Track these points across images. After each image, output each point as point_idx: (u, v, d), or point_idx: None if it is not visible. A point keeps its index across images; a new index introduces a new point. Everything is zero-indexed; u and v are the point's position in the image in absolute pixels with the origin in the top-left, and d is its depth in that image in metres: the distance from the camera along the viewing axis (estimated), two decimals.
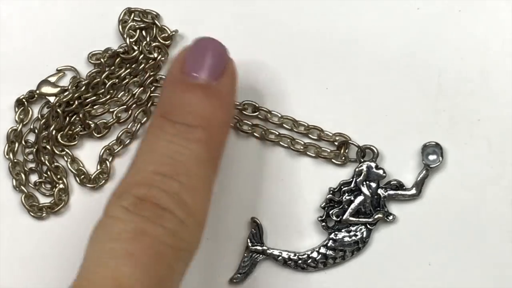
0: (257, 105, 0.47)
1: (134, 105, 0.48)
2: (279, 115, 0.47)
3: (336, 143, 0.46)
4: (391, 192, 0.45)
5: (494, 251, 0.45)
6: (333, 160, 0.46)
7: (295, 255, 0.45)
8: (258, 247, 0.45)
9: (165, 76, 0.42)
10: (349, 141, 0.46)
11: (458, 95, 0.47)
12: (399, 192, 0.45)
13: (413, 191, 0.45)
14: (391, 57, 0.48)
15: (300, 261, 0.45)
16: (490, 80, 0.47)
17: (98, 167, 0.47)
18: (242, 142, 0.47)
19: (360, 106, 0.47)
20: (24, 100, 0.48)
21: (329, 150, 0.47)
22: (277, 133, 0.47)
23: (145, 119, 0.48)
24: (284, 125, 0.47)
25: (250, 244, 0.45)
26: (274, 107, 0.47)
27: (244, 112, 0.47)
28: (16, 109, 0.48)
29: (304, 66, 0.48)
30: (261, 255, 0.45)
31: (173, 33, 0.48)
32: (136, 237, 0.37)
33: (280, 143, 0.47)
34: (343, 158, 0.46)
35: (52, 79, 0.48)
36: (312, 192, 0.46)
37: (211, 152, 0.40)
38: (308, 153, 0.46)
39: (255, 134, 0.47)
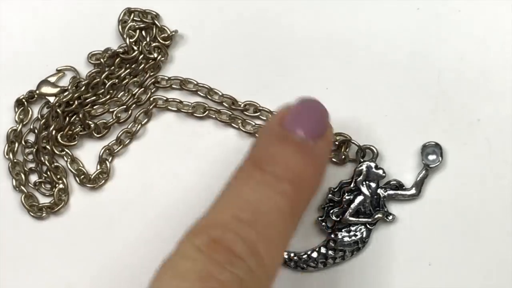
0: (258, 106, 0.47)
1: (134, 105, 0.48)
2: None
3: (336, 143, 0.46)
4: (391, 192, 0.45)
5: (494, 251, 0.45)
6: (333, 159, 0.46)
7: (295, 255, 0.45)
8: None
9: (263, 126, 0.42)
10: (350, 140, 0.46)
11: (458, 95, 0.47)
12: (399, 192, 0.45)
13: (413, 191, 0.45)
14: (391, 57, 0.48)
15: (300, 261, 0.45)
16: (490, 80, 0.47)
17: (98, 167, 0.47)
18: (244, 142, 0.47)
19: (360, 106, 0.47)
20: (24, 100, 0.48)
21: None
22: None
23: (146, 120, 0.48)
24: None
25: None
26: (274, 107, 0.47)
27: (246, 113, 0.47)
28: (16, 109, 0.48)
29: (304, 66, 0.48)
30: None
31: (173, 33, 0.48)
32: (202, 278, 0.36)
33: None
34: (343, 157, 0.46)
35: (52, 79, 0.48)
36: None
37: (294, 208, 0.39)
38: None
39: (256, 134, 0.47)
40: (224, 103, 0.47)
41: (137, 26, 0.49)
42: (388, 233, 0.45)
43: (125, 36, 0.48)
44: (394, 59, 0.47)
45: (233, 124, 0.47)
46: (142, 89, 0.48)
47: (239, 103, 0.47)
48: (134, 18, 0.49)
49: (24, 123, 0.48)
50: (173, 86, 0.48)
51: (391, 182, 0.45)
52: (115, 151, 0.48)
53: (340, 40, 0.48)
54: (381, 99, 0.47)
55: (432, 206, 0.46)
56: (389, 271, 0.45)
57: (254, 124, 0.47)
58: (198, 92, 0.48)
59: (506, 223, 0.45)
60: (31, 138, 0.48)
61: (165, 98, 0.48)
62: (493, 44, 0.48)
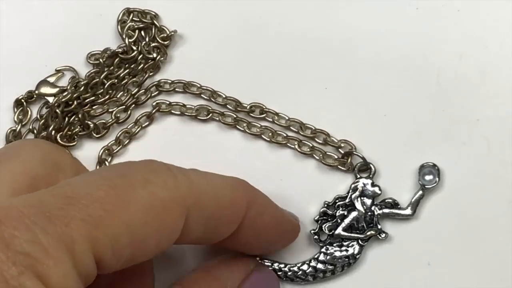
0: (264, 108, 0.47)
1: (133, 105, 0.48)
2: (287, 118, 0.47)
3: (340, 150, 0.46)
4: (386, 210, 0.45)
5: (494, 252, 0.45)
6: (339, 166, 0.46)
7: (285, 266, 0.44)
8: None
9: None
10: (354, 152, 0.46)
11: (457, 95, 0.47)
12: (394, 211, 0.45)
13: (408, 211, 0.45)
14: (390, 57, 0.48)
15: (290, 273, 0.44)
16: (489, 79, 0.47)
17: (98, 168, 0.47)
18: (248, 145, 0.47)
19: (358, 106, 0.47)
20: (23, 100, 0.48)
21: (336, 157, 0.46)
22: (285, 135, 0.47)
23: (146, 123, 0.48)
24: (291, 127, 0.47)
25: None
26: (273, 107, 0.47)
27: (252, 115, 0.47)
28: (15, 110, 0.48)
29: (304, 66, 0.48)
30: None
31: (172, 33, 0.48)
32: None
33: (288, 144, 0.46)
34: (348, 168, 0.46)
35: (51, 79, 0.48)
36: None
37: None
38: (314, 155, 0.46)
39: (263, 136, 0.47)
40: (228, 105, 0.47)
41: (136, 26, 0.49)
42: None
43: (124, 36, 0.48)
44: (393, 59, 0.47)
45: (237, 127, 0.47)
46: (143, 90, 0.48)
47: (244, 104, 0.47)
48: (133, 18, 0.49)
49: (23, 123, 0.48)
50: (176, 89, 0.48)
51: (387, 200, 0.45)
52: (115, 151, 0.48)
53: (339, 40, 0.48)
54: (380, 98, 0.47)
55: (429, 207, 0.45)
56: None
57: (260, 126, 0.47)
58: (202, 95, 0.48)
59: (506, 224, 0.45)
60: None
61: (168, 102, 0.47)
62: (492, 44, 0.47)
